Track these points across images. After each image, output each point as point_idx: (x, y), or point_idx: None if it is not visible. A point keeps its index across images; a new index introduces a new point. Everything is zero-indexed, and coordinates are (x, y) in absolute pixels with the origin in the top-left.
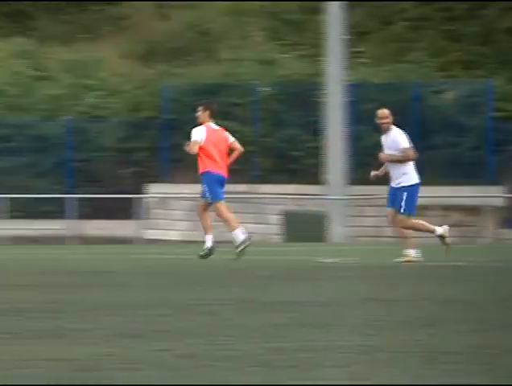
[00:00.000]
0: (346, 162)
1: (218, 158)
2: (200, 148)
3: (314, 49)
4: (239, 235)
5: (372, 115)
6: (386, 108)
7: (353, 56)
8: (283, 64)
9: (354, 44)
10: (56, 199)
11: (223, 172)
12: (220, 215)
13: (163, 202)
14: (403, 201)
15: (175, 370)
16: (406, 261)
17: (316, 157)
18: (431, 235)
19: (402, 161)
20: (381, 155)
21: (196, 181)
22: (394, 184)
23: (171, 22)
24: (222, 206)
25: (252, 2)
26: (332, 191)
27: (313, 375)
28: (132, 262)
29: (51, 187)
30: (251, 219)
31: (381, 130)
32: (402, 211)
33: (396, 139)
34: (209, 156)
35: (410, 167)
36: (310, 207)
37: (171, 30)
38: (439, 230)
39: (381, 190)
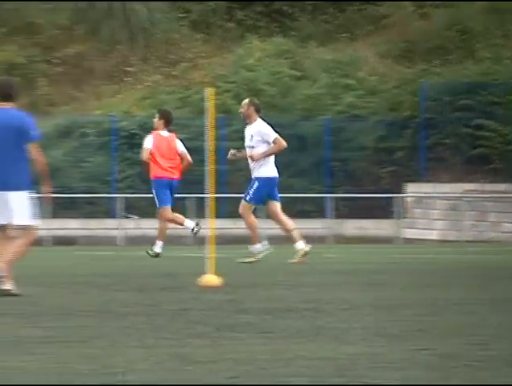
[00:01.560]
0: None
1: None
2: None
3: None
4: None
5: None
6: None
7: None
8: None
9: None
10: (315, 198)
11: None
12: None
13: (422, 201)
14: None
15: (436, 370)
16: None
17: None
18: None
19: None
20: None
21: (455, 180)
22: None
23: (430, 21)
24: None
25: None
26: None
27: None
28: (390, 261)
29: (309, 187)
30: (511, 219)
31: None
32: None
33: None
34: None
35: None
36: None
37: (430, 28)
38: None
39: None
